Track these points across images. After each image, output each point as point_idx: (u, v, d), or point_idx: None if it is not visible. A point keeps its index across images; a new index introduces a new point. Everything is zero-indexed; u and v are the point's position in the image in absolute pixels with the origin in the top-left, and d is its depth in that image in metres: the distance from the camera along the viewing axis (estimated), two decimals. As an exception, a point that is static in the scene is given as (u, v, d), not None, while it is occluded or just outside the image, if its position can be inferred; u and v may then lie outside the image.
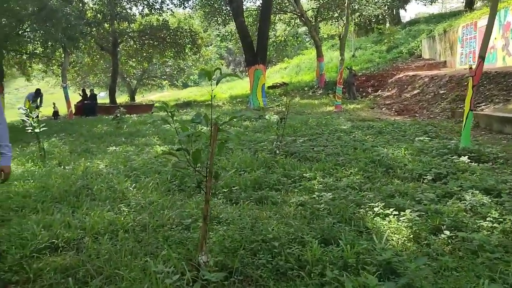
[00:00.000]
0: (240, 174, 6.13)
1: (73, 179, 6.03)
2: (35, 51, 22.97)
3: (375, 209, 4.35)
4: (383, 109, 16.50)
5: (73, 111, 22.61)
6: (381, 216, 4.23)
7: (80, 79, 35.29)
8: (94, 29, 22.85)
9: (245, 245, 3.56)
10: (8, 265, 3.48)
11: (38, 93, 18.48)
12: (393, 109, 15.81)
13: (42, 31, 17.37)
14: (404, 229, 3.92)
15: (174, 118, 3.10)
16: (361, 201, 4.69)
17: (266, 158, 7.05)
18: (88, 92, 25.17)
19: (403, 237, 3.78)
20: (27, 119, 7.38)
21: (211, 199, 4.66)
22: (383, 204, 4.45)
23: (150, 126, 12.30)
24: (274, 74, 38.55)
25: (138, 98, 39.67)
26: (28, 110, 7.38)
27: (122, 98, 38.20)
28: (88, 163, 7.25)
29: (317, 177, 5.90)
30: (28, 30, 19.48)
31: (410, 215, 4.07)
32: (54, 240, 3.84)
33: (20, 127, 13.73)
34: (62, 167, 7.11)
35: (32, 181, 6.02)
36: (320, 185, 5.60)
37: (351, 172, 6.17)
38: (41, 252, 3.70)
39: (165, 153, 3.04)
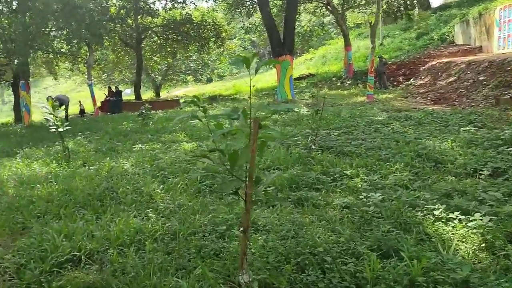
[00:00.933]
0: (274, 172, 5.66)
1: (97, 180, 5.68)
2: (61, 49, 22.98)
3: (435, 212, 3.80)
4: (418, 98, 15.67)
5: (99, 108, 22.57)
6: (443, 220, 3.67)
7: (105, 76, 35.41)
8: (118, 25, 22.63)
9: (291, 258, 3.09)
10: (26, 283, 3.12)
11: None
12: (429, 98, 14.98)
13: (66, 29, 17.23)
14: (473, 236, 3.37)
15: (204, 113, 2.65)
16: (415, 202, 4.14)
17: (301, 154, 6.55)
18: (113, 89, 25.12)
19: (473, 246, 3.24)
20: (50, 118, 7.08)
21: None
22: (444, 206, 3.88)
23: (176, 122, 11.96)
24: (300, 66, 37.78)
25: (163, 94, 39.62)
26: (51, 109, 7.08)
27: (147, 94, 38.21)
28: (113, 162, 6.91)
29: (360, 175, 5.37)
30: (53, 29, 19.44)
31: (480, 219, 3.49)
32: (76, 253, 3.46)
33: (47, 126, 13.61)
34: (87, 167, 6.79)
35: (55, 183, 5.70)
36: (365, 184, 5.07)
37: (396, 168, 5.61)
38: (62, 266, 3.32)
39: (198, 156, 2.59)
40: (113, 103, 22.93)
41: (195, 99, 2.52)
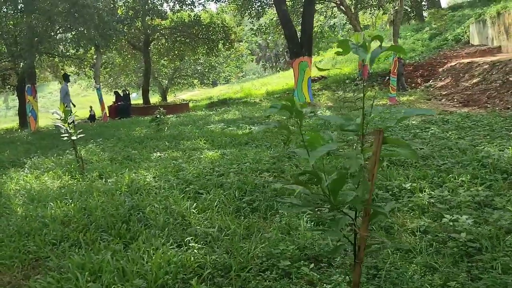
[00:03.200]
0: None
1: (118, 197, 4.94)
2: (67, 53, 22.25)
3: (553, 243, 3.05)
4: (443, 100, 14.92)
5: (107, 113, 21.85)
6: None
7: (112, 80, 34.77)
8: (126, 27, 21.89)
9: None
10: None
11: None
12: (455, 100, 14.22)
13: (74, 30, 16.50)
14: None
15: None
16: (515, 228, 3.39)
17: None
18: (120, 93, 24.43)
19: None
20: (62, 125, 6.34)
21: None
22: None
23: (192, 128, 11.24)
24: (309, 68, 37.04)
25: (170, 98, 38.99)
26: (62, 114, 6.34)
27: (154, 98, 37.59)
28: (133, 174, 6.17)
29: (426, 189, 4.61)
30: (60, 31, 18.74)
31: None
32: (106, 300, 2.72)
33: (55, 132, 12.88)
34: (104, 180, 6.05)
35: (71, 200, 4.96)
36: (432, 200, 4.32)
37: (462, 181, 4.84)
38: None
39: (287, 183, 1.85)
40: (122, 107, 22.22)
41: (287, 102, 1.79)
